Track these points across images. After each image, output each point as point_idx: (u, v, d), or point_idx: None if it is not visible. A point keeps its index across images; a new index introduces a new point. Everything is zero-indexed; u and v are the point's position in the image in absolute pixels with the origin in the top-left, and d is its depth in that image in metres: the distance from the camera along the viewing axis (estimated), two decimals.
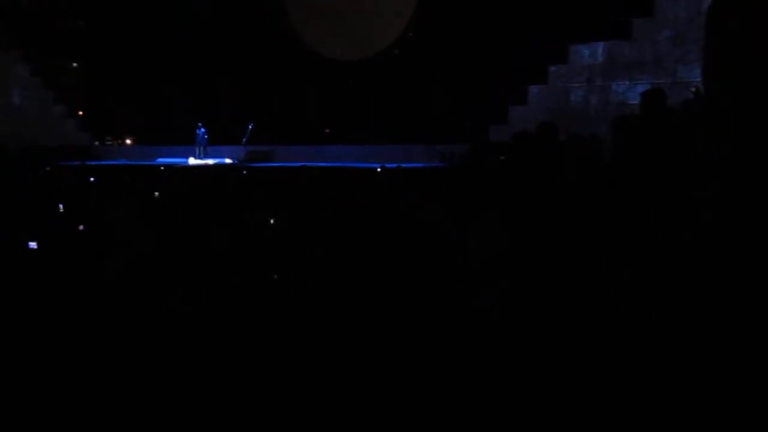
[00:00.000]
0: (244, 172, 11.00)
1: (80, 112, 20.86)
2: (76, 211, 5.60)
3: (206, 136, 17.19)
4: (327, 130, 18.58)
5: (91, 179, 8.62)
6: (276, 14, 18.72)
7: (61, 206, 5.51)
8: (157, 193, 6.97)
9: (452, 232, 3.92)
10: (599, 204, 3.17)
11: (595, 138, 4.52)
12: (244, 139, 16.73)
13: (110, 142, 20.90)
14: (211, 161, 16.47)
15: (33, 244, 3.78)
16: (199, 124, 17.18)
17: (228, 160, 16.56)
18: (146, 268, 3.58)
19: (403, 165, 10.73)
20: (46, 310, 2.94)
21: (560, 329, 2.73)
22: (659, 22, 13.81)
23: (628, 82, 13.99)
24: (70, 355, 2.66)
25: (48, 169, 10.61)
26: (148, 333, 2.83)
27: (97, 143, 20.26)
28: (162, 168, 14.12)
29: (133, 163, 16.21)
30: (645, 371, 2.34)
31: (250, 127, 16.69)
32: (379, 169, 9.80)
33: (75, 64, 21.39)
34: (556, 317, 2.78)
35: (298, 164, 12.75)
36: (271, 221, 5.02)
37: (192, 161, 16.39)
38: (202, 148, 17.06)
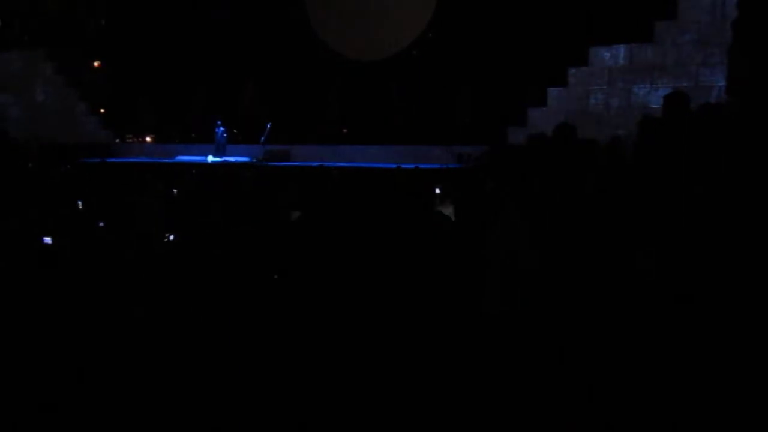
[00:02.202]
0: (262, 170, 11.05)
1: (102, 110, 21.08)
2: (96, 208, 5.66)
3: (225, 135, 17.30)
4: (345, 130, 18.59)
5: (111, 176, 8.70)
6: (295, 14, 18.79)
7: (80, 203, 5.57)
8: (175, 191, 7.02)
9: (468, 233, 3.90)
10: (618, 206, 3.14)
11: (615, 141, 4.47)
12: (263, 138, 16.80)
13: (131, 140, 21.09)
14: (229, 159, 16.57)
15: (48, 239, 3.82)
16: (219, 122, 17.30)
17: (246, 159, 16.65)
18: (162, 265, 3.61)
19: (421, 166, 10.71)
20: (60, 306, 2.96)
21: (575, 328, 2.71)
22: (682, 25, 13.65)
23: (649, 86, 13.84)
24: (78, 351, 2.68)
25: (69, 166, 10.73)
26: (155, 331, 2.84)
27: (118, 141, 20.46)
28: (181, 166, 14.23)
29: (153, 160, 16.35)
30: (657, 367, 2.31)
31: (268, 126, 16.76)
32: (396, 170, 9.78)
33: (97, 63, 21.62)
34: (571, 316, 2.76)
35: (316, 164, 12.78)
36: (289, 220, 5.02)
37: (211, 159, 16.51)
38: (221, 146, 17.16)
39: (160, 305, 3.06)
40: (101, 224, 5.05)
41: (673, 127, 3.32)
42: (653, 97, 13.45)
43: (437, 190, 6.32)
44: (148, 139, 21.01)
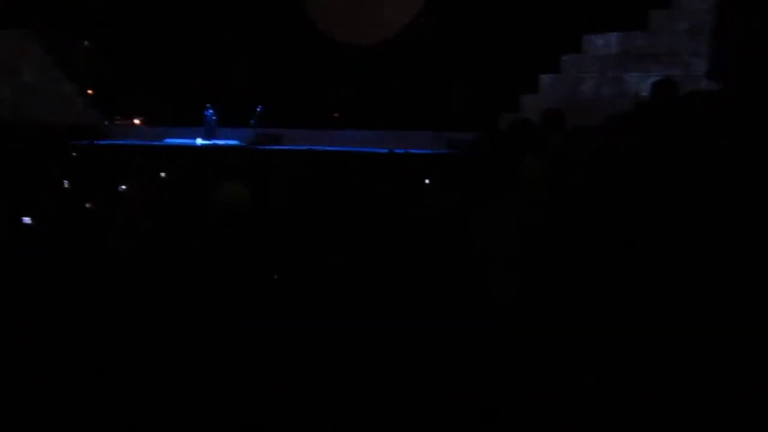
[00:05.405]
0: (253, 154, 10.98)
1: (90, 91, 20.85)
2: (84, 190, 5.61)
3: (215, 118, 17.16)
4: (336, 115, 18.50)
5: (99, 158, 8.63)
6: None
7: (66, 182, 5.51)
8: (163, 174, 6.97)
9: (460, 219, 3.89)
10: (606, 194, 3.13)
11: (604, 128, 4.46)
12: (253, 122, 16.69)
13: (120, 122, 20.89)
14: (219, 143, 16.46)
15: (27, 220, 3.78)
16: (208, 105, 17.15)
17: (236, 142, 16.54)
18: (149, 251, 3.57)
19: (411, 151, 10.68)
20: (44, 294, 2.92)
21: (568, 319, 2.71)
22: (676, 13, 13.61)
23: (641, 74, 13.82)
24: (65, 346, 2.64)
25: (56, 147, 10.63)
26: (145, 326, 2.80)
27: (106, 123, 20.26)
28: (170, 149, 14.13)
29: (141, 143, 16.22)
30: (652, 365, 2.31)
31: (259, 109, 16.64)
32: (387, 155, 9.75)
33: (86, 43, 21.36)
34: (563, 306, 2.75)
35: (305, 147, 12.71)
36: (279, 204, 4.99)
37: (200, 142, 16.39)
38: (210, 129, 17.03)
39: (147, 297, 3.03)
40: (88, 206, 5.01)
41: (660, 115, 3.31)
42: (645, 85, 13.44)
43: (426, 181, 6.31)
44: (137, 121, 20.82)
